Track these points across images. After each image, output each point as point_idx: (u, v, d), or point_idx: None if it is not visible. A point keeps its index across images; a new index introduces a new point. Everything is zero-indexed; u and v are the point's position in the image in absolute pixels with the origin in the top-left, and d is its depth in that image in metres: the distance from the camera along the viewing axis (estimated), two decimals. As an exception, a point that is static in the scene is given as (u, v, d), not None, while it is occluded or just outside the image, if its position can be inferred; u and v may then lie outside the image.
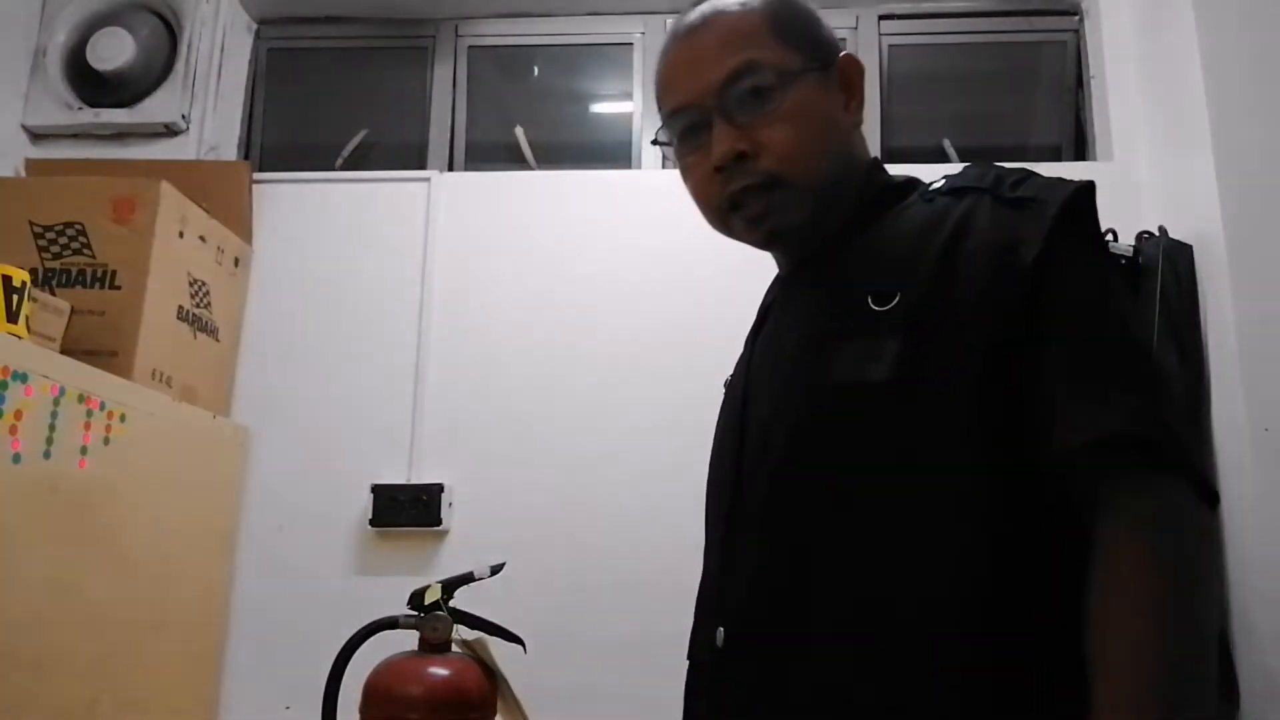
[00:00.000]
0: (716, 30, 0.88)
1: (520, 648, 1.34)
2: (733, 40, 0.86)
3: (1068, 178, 0.80)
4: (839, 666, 0.72)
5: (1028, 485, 0.72)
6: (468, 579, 1.33)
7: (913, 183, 0.90)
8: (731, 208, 0.87)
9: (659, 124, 0.92)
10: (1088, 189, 0.78)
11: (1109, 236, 1.65)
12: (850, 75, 0.90)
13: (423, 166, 2.26)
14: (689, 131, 0.89)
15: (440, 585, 1.31)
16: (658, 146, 0.95)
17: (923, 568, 0.71)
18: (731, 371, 1.02)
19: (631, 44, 2.31)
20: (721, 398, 1.03)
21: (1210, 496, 0.71)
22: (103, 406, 1.45)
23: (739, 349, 0.99)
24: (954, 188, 0.83)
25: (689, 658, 0.88)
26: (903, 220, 0.84)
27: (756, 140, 0.85)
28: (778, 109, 0.84)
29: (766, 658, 0.76)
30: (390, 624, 1.31)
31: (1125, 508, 0.68)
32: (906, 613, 0.71)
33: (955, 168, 0.87)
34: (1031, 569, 0.71)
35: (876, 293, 0.78)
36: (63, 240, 1.63)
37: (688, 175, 0.92)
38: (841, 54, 0.90)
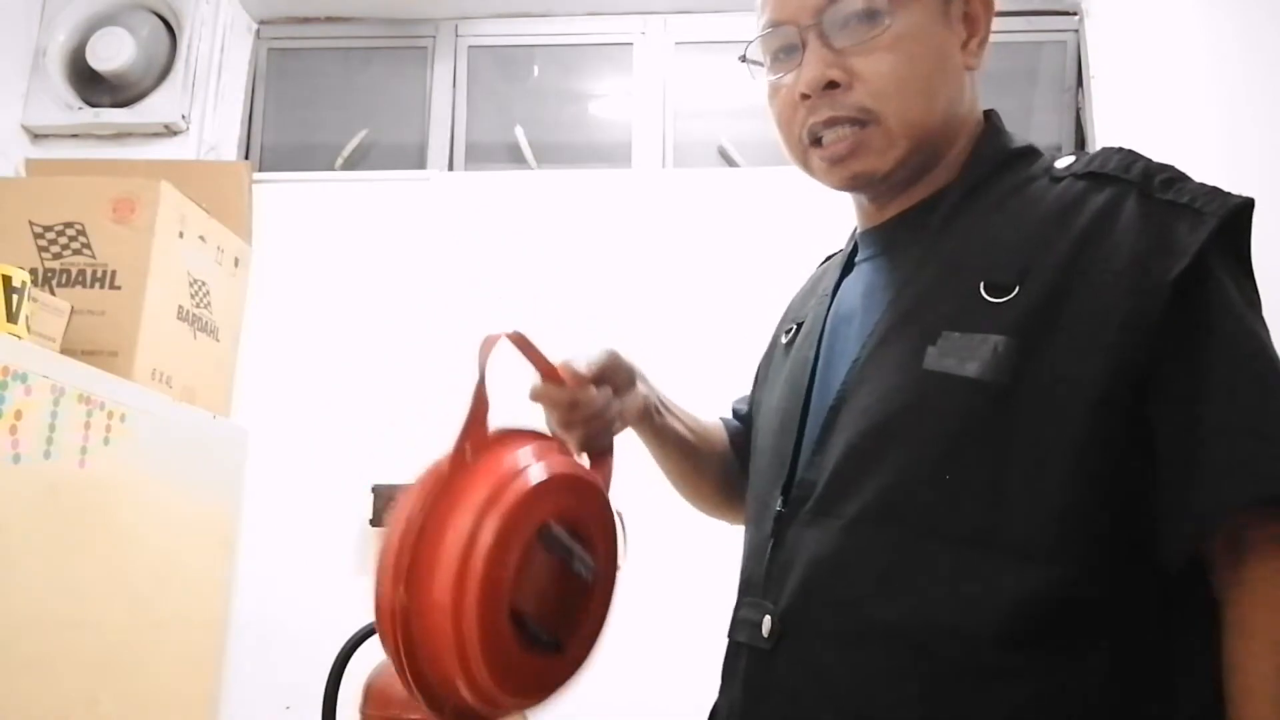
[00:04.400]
0: None
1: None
2: None
3: (1224, 189, 0.70)
4: (884, 677, 0.67)
5: (1126, 529, 0.64)
6: (468, 579, 1.33)
7: (1034, 151, 0.80)
8: (813, 142, 0.79)
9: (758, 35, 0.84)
10: (1249, 206, 0.68)
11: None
12: (976, 9, 0.80)
13: (423, 166, 2.26)
14: (781, 52, 0.81)
15: (440, 585, 1.31)
16: (745, 64, 0.86)
17: (976, 593, 0.65)
18: (795, 318, 0.94)
19: (631, 44, 2.30)
20: (777, 342, 0.96)
21: None
22: (103, 406, 1.45)
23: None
24: (1092, 172, 0.73)
25: (730, 634, 0.82)
26: (1026, 198, 0.74)
27: (851, 68, 0.76)
28: (882, 35, 0.75)
29: (817, 654, 0.70)
30: (390, 624, 1.30)
31: (1263, 559, 0.62)
32: (963, 635, 0.65)
33: None
34: (1104, 623, 0.64)
35: (992, 281, 0.70)
36: (63, 240, 1.63)
37: (773, 99, 0.83)
38: None
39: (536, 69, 2.39)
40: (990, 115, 0.83)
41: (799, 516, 0.75)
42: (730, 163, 2.21)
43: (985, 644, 0.64)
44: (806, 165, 0.82)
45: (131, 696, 1.50)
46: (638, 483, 1.90)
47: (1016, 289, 0.68)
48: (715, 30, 2.23)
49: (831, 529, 0.72)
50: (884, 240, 0.83)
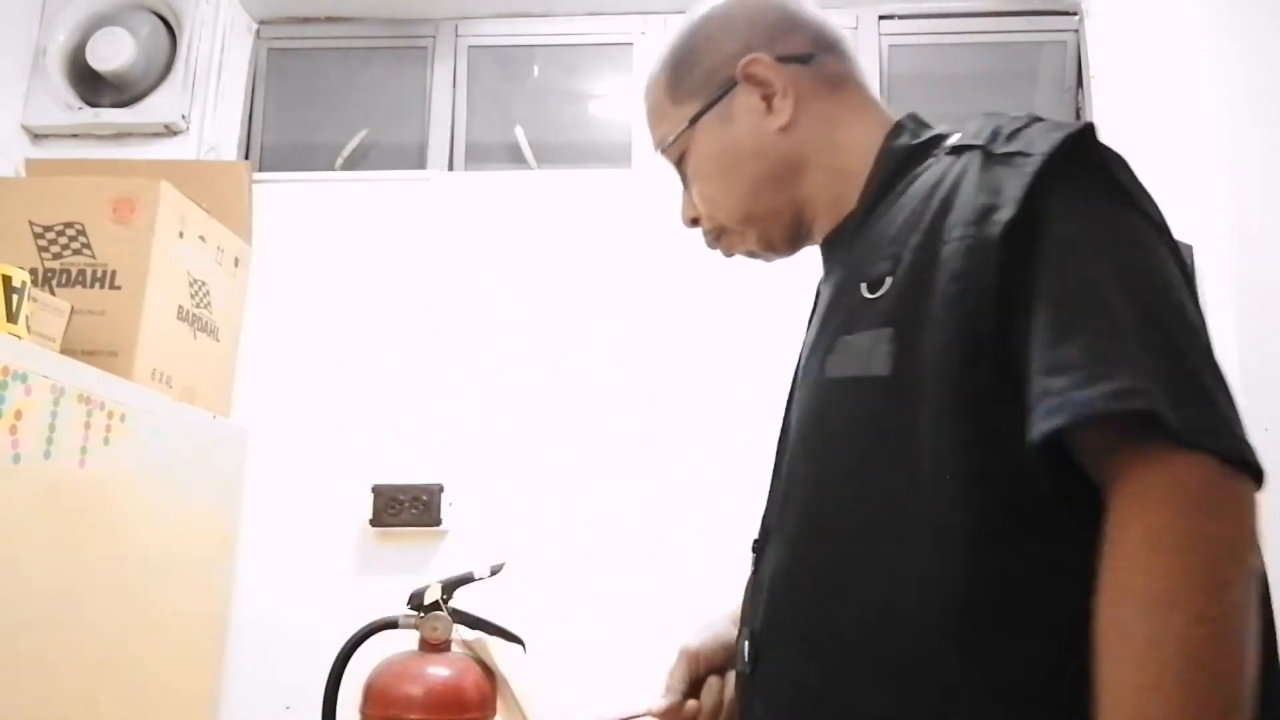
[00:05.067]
0: (645, 103, 0.94)
1: (520, 648, 1.34)
2: (651, 116, 0.93)
3: (1067, 122, 0.70)
4: (846, 680, 0.68)
5: (1030, 483, 0.63)
6: (468, 579, 1.33)
7: (936, 140, 0.80)
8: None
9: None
10: (1083, 133, 0.67)
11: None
12: (757, 76, 0.85)
13: (423, 166, 2.26)
14: None
15: (440, 585, 1.31)
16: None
17: (913, 581, 0.65)
18: None
19: (631, 44, 2.31)
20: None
21: (1246, 465, 0.58)
22: (103, 406, 1.45)
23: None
24: (957, 145, 0.75)
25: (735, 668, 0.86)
26: (911, 191, 0.76)
27: (696, 204, 0.91)
28: (691, 172, 0.89)
29: (783, 672, 0.73)
30: (390, 624, 1.31)
31: (1124, 487, 0.59)
32: (906, 628, 0.65)
33: None
34: (1044, 581, 0.63)
35: (870, 278, 0.72)
36: (63, 240, 1.63)
37: None
38: (744, 61, 0.84)
39: (536, 69, 2.39)
40: (900, 122, 0.85)
41: (768, 545, 0.80)
42: (730, 163, 2.21)
43: (927, 635, 0.64)
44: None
45: (131, 696, 1.50)
46: (639, 487, 1.90)
47: (888, 280, 0.71)
48: (715, 30, 2.22)
49: (783, 548, 0.76)
50: (824, 273, 0.89)
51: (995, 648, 0.62)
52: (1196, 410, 0.59)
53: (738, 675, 0.82)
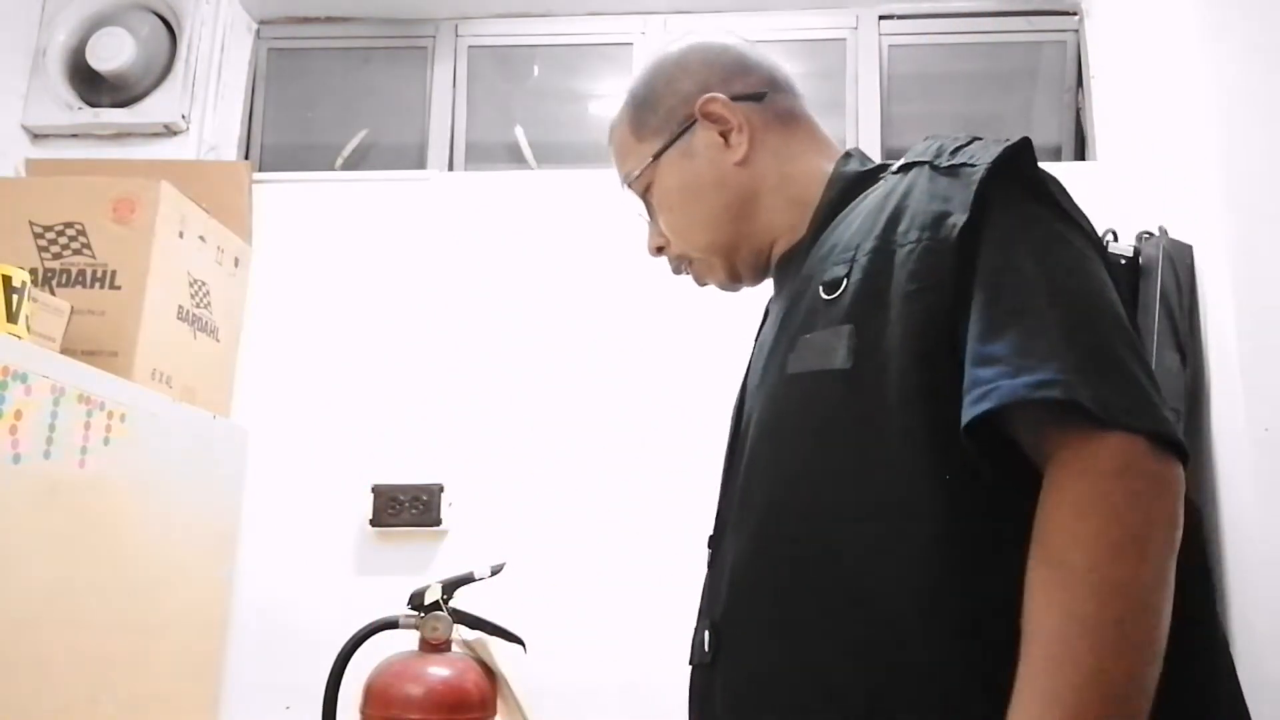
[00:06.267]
0: (611, 143, 1.00)
1: (520, 648, 1.34)
2: (616, 155, 0.99)
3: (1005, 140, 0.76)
4: (816, 660, 0.70)
5: (982, 470, 0.67)
6: (468, 579, 1.33)
7: (882, 168, 0.88)
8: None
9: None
10: (1021, 145, 0.74)
11: (1108, 237, 1.66)
12: (714, 114, 0.92)
13: (423, 166, 2.26)
14: None
15: (440, 585, 1.32)
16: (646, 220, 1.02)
17: (878, 561, 0.68)
18: None
19: (631, 44, 2.30)
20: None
21: (1169, 443, 0.63)
22: (103, 406, 1.45)
23: (739, 349, 1.00)
24: (903, 164, 0.82)
25: (688, 661, 0.88)
26: (860, 207, 0.83)
27: (664, 233, 0.96)
28: (656, 205, 0.95)
29: (747, 656, 0.76)
30: (390, 624, 1.31)
31: (1054, 469, 0.64)
32: (874, 605, 0.68)
33: None
34: (1006, 554, 0.65)
35: (827, 281, 0.78)
36: (63, 240, 1.63)
37: None
38: (702, 99, 0.92)
39: (536, 69, 2.39)
40: (846, 154, 0.92)
41: (723, 539, 0.84)
42: (730, 163, 2.21)
43: (897, 610, 0.67)
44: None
45: (131, 696, 1.50)
46: (640, 486, 1.90)
47: (845, 282, 0.76)
48: (715, 30, 2.22)
49: (742, 539, 0.79)
50: (776, 286, 0.96)
51: (961, 623, 0.66)
52: (1117, 395, 0.64)
53: (694, 668, 0.84)
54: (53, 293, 1.56)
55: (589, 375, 1.92)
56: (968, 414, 0.65)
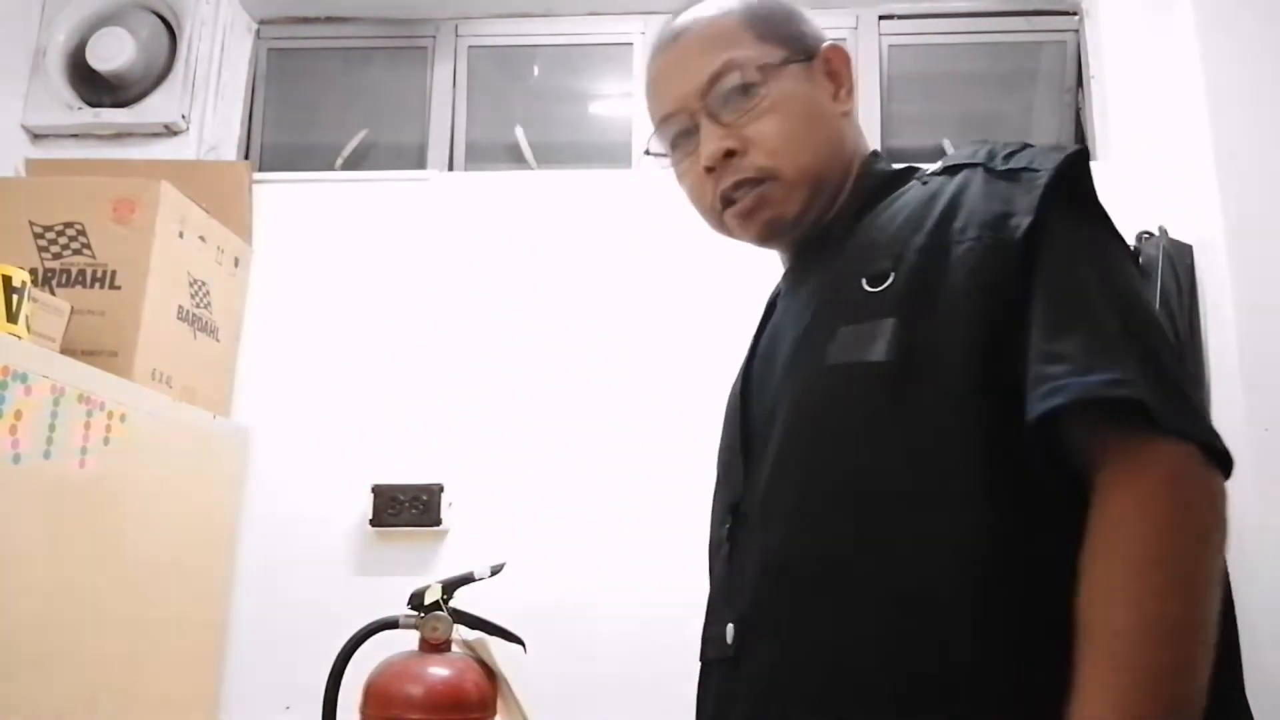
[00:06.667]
0: (696, 35, 0.90)
1: (520, 648, 1.34)
2: (712, 43, 0.89)
3: (1061, 147, 0.79)
4: (854, 655, 0.69)
5: (1037, 464, 0.68)
6: (468, 579, 1.33)
7: (912, 169, 0.89)
8: (725, 205, 0.89)
9: (650, 135, 0.94)
10: (1080, 155, 0.76)
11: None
12: (836, 64, 0.91)
13: (423, 166, 2.26)
14: (680, 138, 0.91)
15: (440, 585, 1.31)
16: (651, 157, 0.97)
17: (925, 555, 0.68)
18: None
19: (631, 44, 2.31)
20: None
21: (1220, 457, 0.66)
22: (103, 406, 1.45)
23: (740, 348, 0.99)
24: (948, 166, 0.83)
25: (700, 657, 0.87)
26: (899, 204, 0.84)
27: (744, 136, 0.86)
28: (761, 103, 0.86)
29: (777, 651, 0.74)
30: (390, 624, 1.31)
31: (1114, 471, 0.65)
32: (918, 601, 0.68)
33: None
34: (1053, 550, 0.66)
35: (871, 274, 0.78)
36: (63, 240, 1.63)
37: (683, 181, 0.93)
38: (826, 44, 0.92)
39: (536, 69, 2.39)
40: (874, 152, 0.94)
41: (746, 530, 0.82)
42: (730, 163, 2.21)
43: (942, 606, 0.67)
44: (724, 226, 0.92)
45: (131, 696, 1.50)
46: (639, 486, 1.90)
47: (891, 275, 0.76)
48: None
49: (773, 532, 0.77)
50: (793, 276, 0.93)
51: (1006, 627, 0.66)
52: (1174, 404, 0.65)
53: (713, 664, 0.82)
54: (53, 293, 1.56)
55: (589, 375, 1.92)
56: (1039, 407, 0.66)
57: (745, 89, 0.87)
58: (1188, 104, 1.73)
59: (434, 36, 2.35)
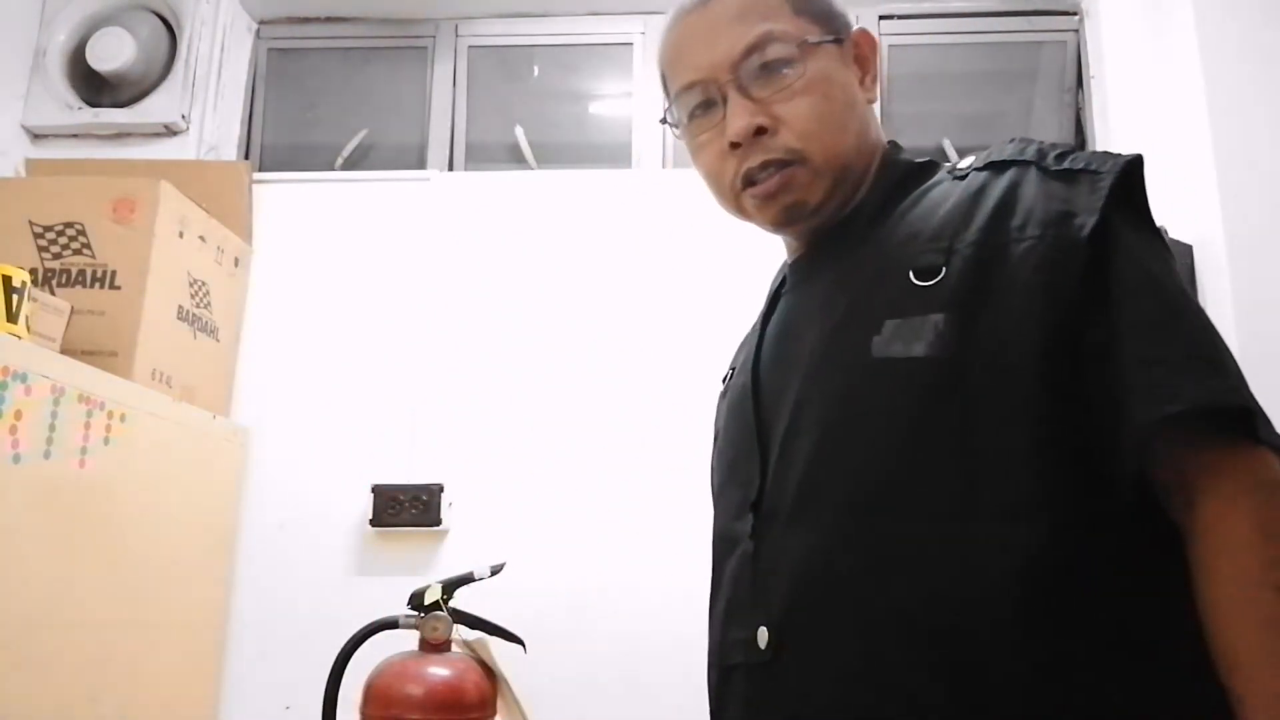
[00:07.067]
0: (731, 1, 0.84)
1: (520, 648, 1.34)
2: (749, 11, 0.83)
3: (1113, 151, 0.77)
4: (901, 663, 0.66)
5: (1092, 471, 0.66)
6: (468, 579, 1.33)
7: (934, 163, 0.87)
8: (746, 185, 0.84)
9: (667, 101, 0.90)
10: (1140, 161, 0.74)
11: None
12: (864, 49, 0.89)
13: (423, 166, 2.26)
14: (701, 108, 0.86)
15: (440, 585, 1.31)
16: (666, 126, 0.92)
17: (978, 561, 0.66)
18: (732, 364, 0.98)
19: (631, 44, 2.31)
20: (722, 392, 0.99)
21: None
22: (103, 406, 1.45)
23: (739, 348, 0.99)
24: (992, 162, 0.79)
25: (716, 663, 0.82)
26: (934, 197, 0.80)
27: (775, 115, 0.82)
28: (796, 82, 0.82)
29: (824, 657, 0.70)
30: (390, 624, 1.31)
31: (1224, 480, 0.63)
32: (970, 608, 0.65)
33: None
34: (1105, 565, 0.65)
35: (919, 267, 0.74)
36: (63, 240, 1.63)
37: (699, 154, 0.88)
38: (856, 28, 0.89)
39: (536, 69, 2.39)
40: (891, 142, 0.91)
41: (774, 528, 0.77)
42: (730, 163, 2.21)
43: (995, 613, 0.65)
44: (740, 208, 0.87)
45: (131, 696, 1.50)
46: (639, 486, 1.90)
47: (943, 270, 0.73)
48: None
49: (815, 530, 0.73)
50: (809, 266, 0.89)
51: (1061, 647, 0.64)
52: (1260, 413, 0.66)
53: (738, 667, 0.78)
54: (53, 293, 1.56)
55: (589, 375, 1.92)
56: (1153, 412, 0.64)
57: (780, 64, 0.82)
58: (1188, 104, 1.73)
59: (434, 36, 2.35)
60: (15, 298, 1.34)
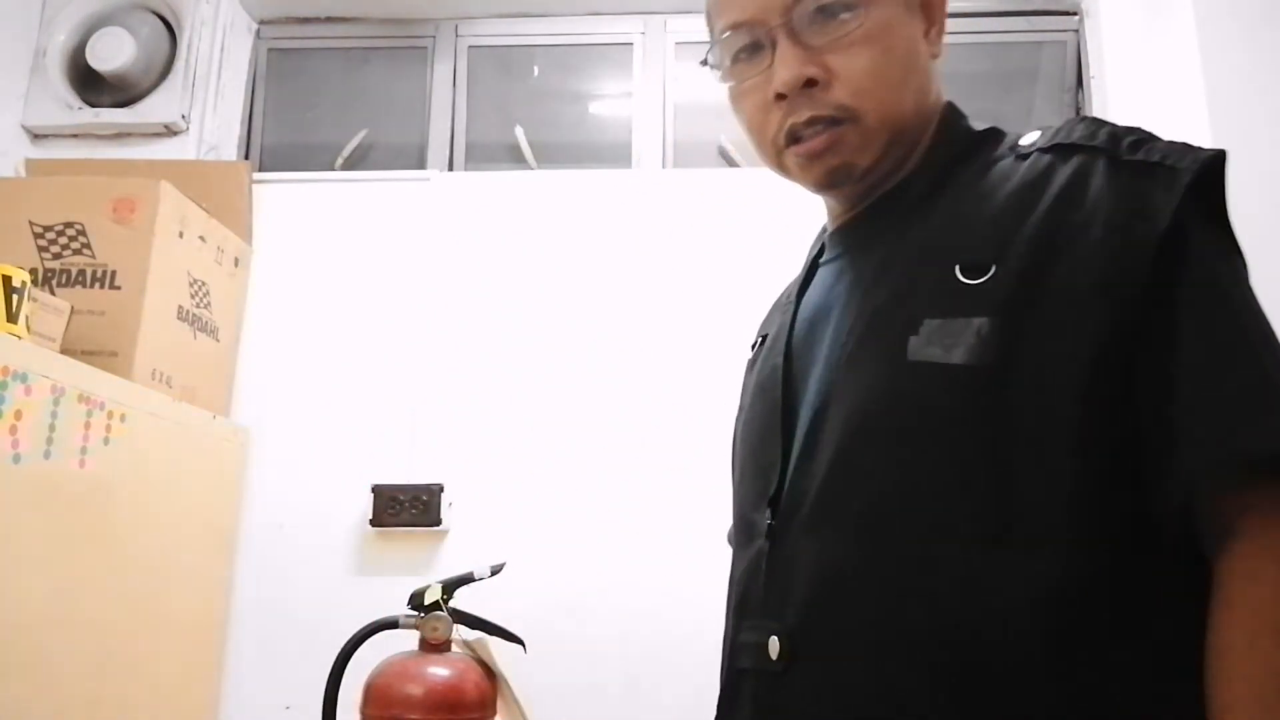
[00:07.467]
0: None
1: (520, 648, 1.34)
2: None
3: (1194, 144, 0.68)
4: (914, 685, 0.63)
5: (1129, 502, 0.62)
6: (468, 579, 1.33)
7: (998, 132, 0.79)
8: (790, 141, 0.77)
9: (712, 41, 0.83)
10: (1222, 157, 0.67)
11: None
12: (933, 3, 0.81)
13: (423, 166, 2.26)
14: (747, 52, 0.78)
15: (440, 585, 1.31)
16: (708, 68, 0.84)
17: (999, 595, 0.61)
18: (763, 330, 0.92)
19: (631, 44, 2.31)
20: (751, 360, 0.92)
21: None
22: (103, 406, 1.45)
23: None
24: (1057, 144, 0.71)
25: (727, 663, 0.79)
26: (993, 177, 0.73)
27: (828, 66, 0.74)
28: (856, 31, 0.74)
29: (838, 676, 0.67)
30: (390, 624, 1.31)
31: (1262, 526, 0.59)
32: (990, 635, 0.61)
33: None
34: (1130, 606, 0.61)
35: (967, 262, 0.67)
36: (63, 240, 1.63)
37: (741, 103, 0.81)
38: None
39: (536, 69, 2.39)
40: (950, 105, 0.82)
41: (793, 528, 0.72)
42: (730, 163, 2.21)
43: (1014, 643, 0.61)
44: (781, 165, 0.80)
45: (131, 697, 1.50)
46: (640, 486, 1.90)
47: (993, 268, 0.66)
48: (715, 30, 2.22)
49: (833, 538, 0.69)
50: (852, 237, 0.82)
51: (1084, 683, 0.60)
52: None
53: (747, 673, 0.74)
54: (53, 293, 1.56)
55: (589, 375, 1.92)
56: (1208, 457, 0.59)
57: (839, 8, 0.74)
58: (1187, 104, 1.72)
59: (434, 36, 2.35)
60: (15, 298, 1.34)
